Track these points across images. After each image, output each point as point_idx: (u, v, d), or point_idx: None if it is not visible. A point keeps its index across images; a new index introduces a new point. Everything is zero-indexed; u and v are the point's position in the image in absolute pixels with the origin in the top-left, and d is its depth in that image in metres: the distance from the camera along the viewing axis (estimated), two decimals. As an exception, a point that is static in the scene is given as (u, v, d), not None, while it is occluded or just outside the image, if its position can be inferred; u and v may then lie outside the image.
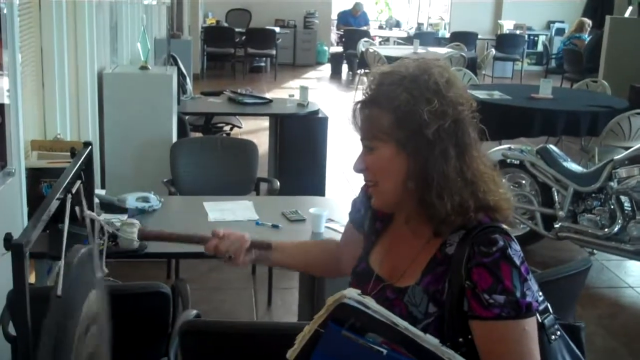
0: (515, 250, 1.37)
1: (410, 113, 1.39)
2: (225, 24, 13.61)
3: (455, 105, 1.41)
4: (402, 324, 1.28)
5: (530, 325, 1.34)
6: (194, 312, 2.62)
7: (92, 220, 1.88)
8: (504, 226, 1.42)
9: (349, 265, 1.70)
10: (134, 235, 1.61)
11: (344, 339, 1.28)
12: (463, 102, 1.44)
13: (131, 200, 3.23)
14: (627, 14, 10.41)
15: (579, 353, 1.50)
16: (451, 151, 1.40)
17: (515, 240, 1.41)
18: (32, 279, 3.02)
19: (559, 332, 1.46)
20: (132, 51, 6.20)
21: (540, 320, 1.39)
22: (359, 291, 1.31)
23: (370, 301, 1.29)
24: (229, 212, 3.26)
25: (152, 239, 1.75)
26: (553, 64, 13.46)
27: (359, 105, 1.48)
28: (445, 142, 1.39)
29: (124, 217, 3.10)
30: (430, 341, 1.27)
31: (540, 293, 1.42)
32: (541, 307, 1.40)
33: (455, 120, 1.41)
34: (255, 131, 7.75)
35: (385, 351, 1.26)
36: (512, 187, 5.06)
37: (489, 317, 1.32)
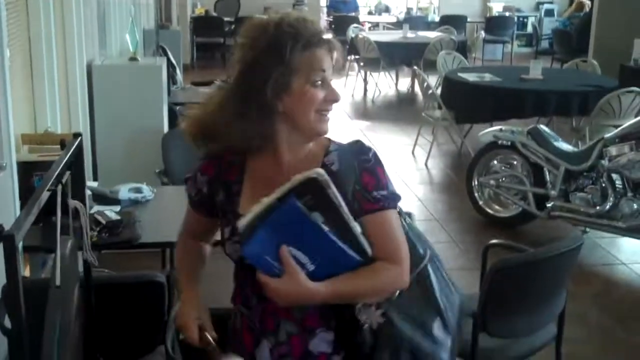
0: (376, 152, 1.67)
1: None
2: (214, 14, 13.55)
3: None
4: (344, 206, 1.50)
5: (397, 212, 1.68)
6: (189, 300, 2.63)
7: (78, 210, 1.88)
8: None
9: (210, 239, 1.91)
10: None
11: (297, 212, 1.44)
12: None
13: (123, 192, 3.23)
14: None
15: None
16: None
17: None
18: (26, 272, 3.03)
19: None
20: (121, 43, 6.18)
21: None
22: (321, 171, 1.49)
23: (330, 182, 1.47)
24: (221, 201, 3.26)
25: None
26: (543, 45, 13.48)
27: (333, 44, 1.63)
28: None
29: (117, 208, 3.10)
30: (356, 228, 1.52)
31: None
32: None
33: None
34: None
35: (327, 229, 1.46)
36: (503, 168, 5.08)
37: (376, 209, 1.61)
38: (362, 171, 1.62)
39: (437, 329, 1.70)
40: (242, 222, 1.48)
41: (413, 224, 1.80)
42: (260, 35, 1.59)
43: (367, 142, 1.69)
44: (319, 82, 1.60)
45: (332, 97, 1.62)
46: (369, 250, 1.55)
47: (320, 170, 1.49)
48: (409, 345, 1.64)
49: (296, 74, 1.57)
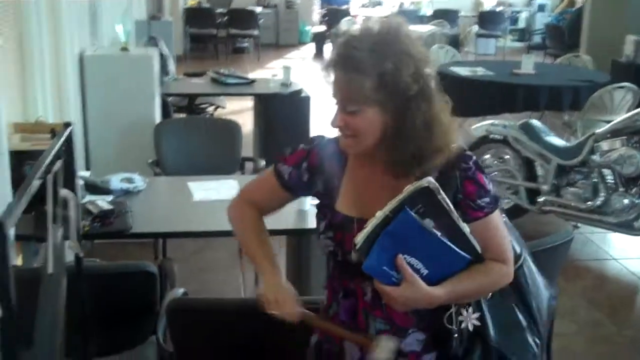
0: (477, 159, 1.67)
1: (395, 79, 1.51)
2: (207, 5, 13.51)
3: (423, 63, 1.55)
4: (453, 209, 1.52)
5: (499, 212, 1.69)
6: (181, 290, 2.64)
7: (68, 200, 1.88)
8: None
9: (269, 214, 1.90)
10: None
11: (412, 222, 1.49)
12: (423, 57, 1.56)
13: (115, 182, 3.22)
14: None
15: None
16: (423, 106, 1.55)
17: None
18: (19, 261, 3.02)
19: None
20: (112, 33, 6.14)
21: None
22: (432, 179, 1.51)
23: (439, 188, 1.50)
24: (213, 192, 3.26)
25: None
26: (535, 40, 13.50)
27: (332, 68, 1.56)
28: (419, 99, 1.54)
29: (109, 198, 3.09)
30: (465, 229, 1.55)
31: None
32: None
33: (425, 76, 1.55)
34: (239, 112, 7.72)
35: (439, 233, 1.51)
36: (495, 162, 5.08)
37: (481, 216, 1.62)
38: (463, 180, 1.62)
39: (527, 331, 1.72)
40: (358, 239, 1.50)
41: (508, 222, 1.80)
42: None
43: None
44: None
45: (332, 124, 1.65)
46: (478, 247, 1.58)
47: (430, 179, 1.51)
48: (499, 348, 1.67)
49: None
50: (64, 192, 1.85)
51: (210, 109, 6.81)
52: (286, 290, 1.74)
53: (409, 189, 1.50)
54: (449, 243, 1.53)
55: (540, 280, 1.81)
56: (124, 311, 2.46)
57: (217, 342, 2.18)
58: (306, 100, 5.68)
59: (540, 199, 4.69)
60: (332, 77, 1.57)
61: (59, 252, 1.74)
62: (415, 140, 1.55)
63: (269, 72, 8.34)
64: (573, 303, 3.97)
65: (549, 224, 4.87)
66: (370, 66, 1.50)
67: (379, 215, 1.50)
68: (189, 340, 2.20)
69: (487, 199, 1.62)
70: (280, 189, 1.81)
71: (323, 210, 1.73)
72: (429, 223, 1.51)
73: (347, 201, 1.69)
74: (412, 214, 1.49)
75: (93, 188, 3.18)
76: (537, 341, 1.74)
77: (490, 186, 1.64)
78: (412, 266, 1.53)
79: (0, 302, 2.27)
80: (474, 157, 1.65)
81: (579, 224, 4.75)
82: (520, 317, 1.72)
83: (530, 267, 1.79)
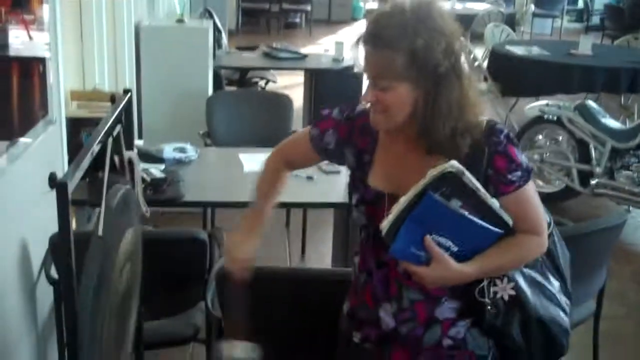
0: (509, 131, 1.65)
1: (426, 55, 1.51)
2: (261, -21, 13.51)
3: (454, 39, 1.55)
4: (481, 187, 1.52)
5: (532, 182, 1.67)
6: (230, 258, 2.67)
7: (131, 163, 1.92)
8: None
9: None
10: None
11: (436, 205, 1.49)
12: (455, 34, 1.56)
13: (168, 151, 3.28)
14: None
15: None
16: (454, 82, 1.56)
17: None
18: (72, 225, 3.10)
19: None
20: (168, 5, 6.21)
21: None
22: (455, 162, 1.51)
23: (464, 170, 1.50)
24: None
25: None
26: (594, 20, 13.17)
27: (364, 44, 1.57)
28: (450, 75, 1.55)
29: (162, 166, 3.15)
30: (495, 205, 1.55)
31: None
32: None
33: (456, 53, 1.56)
34: (290, 86, 7.73)
35: (466, 213, 1.51)
36: (548, 143, 5.01)
37: (512, 190, 1.61)
38: (493, 155, 1.60)
39: (561, 295, 1.74)
40: (384, 225, 1.52)
41: None
42: None
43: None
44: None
45: (364, 98, 1.66)
46: (509, 221, 1.58)
47: (454, 162, 1.51)
48: (537, 314, 1.68)
49: None
50: (128, 153, 1.89)
51: (262, 83, 6.84)
52: (240, 249, 1.84)
53: (432, 173, 1.49)
54: (477, 220, 1.53)
55: (563, 242, 1.81)
56: (175, 277, 2.51)
57: (263, 309, 2.22)
58: (358, 76, 5.65)
59: (593, 182, 4.62)
60: (363, 52, 1.57)
61: (123, 214, 1.78)
62: (446, 116, 1.56)
63: (320, 48, 8.33)
64: (622, 286, 3.92)
65: (601, 207, 4.79)
66: (402, 42, 1.50)
67: (403, 200, 1.51)
68: (236, 307, 2.24)
69: (518, 173, 1.61)
70: (312, 150, 1.85)
71: (355, 184, 1.75)
72: (455, 203, 1.50)
73: (379, 176, 1.70)
74: (436, 197, 1.48)
75: (146, 157, 3.24)
76: (568, 302, 1.75)
77: (522, 158, 1.62)
78: (440, 245, 1.54)
79: (55, 266, 2.36)
80: (506, 130, 1.64)
81: (631, 208, 4.67)
82: (552, 280, 1.74)
83: (556, 230, 1.79)
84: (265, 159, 1.97)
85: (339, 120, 1.79)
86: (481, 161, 1.60)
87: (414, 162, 1.63)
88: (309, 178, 3.13)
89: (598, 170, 4.60)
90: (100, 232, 1.60)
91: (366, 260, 1.77)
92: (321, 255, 4.16)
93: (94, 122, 3.05)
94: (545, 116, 4.91)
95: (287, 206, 3.95)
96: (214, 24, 5.78)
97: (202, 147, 3.83)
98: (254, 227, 1.88)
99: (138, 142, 3.51)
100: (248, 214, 1.91)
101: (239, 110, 4.31)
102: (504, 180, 1.61)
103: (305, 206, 3.88)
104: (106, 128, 1.71)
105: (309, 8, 12.88)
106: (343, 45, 5.91)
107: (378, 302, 1.72)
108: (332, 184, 3.11)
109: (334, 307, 1.96)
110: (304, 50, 6.50)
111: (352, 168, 1.78)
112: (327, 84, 5.71)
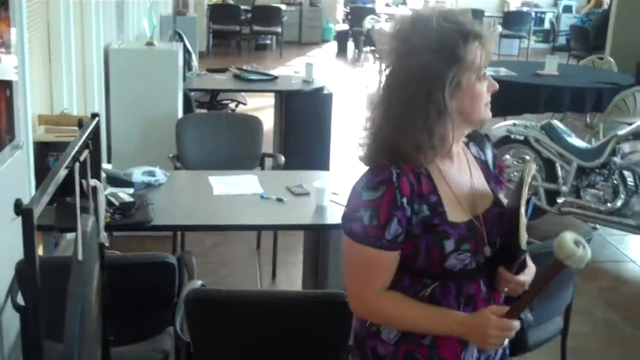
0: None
1: None
2: (231, 1, 13.56)
3: None
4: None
5: None
6: (199, 282, 2.67)
7: (96, 189, 1.91)
8: None
9: None
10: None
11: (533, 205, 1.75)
12: None
13: (137, 174, 3.26)
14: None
15: None
16: None
17: None
18: (39, 251, 3.07)
19: None
20: (138, 28, 6.21)
21: None
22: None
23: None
24: (233, 186, 3.30)
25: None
26: (560, 41, 13.40)
27: (477, 37, 1.58)
28: None
29: (130, 190, 3.14)
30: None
31: None
32: None
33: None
34: (260, 108, 7.75)
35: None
36: (515, 162, 5.08)
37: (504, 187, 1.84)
38: (495, 160, 1.84)
39: None
40: (524, 242, 1.62)
41: None
42: (424, 36, 1.56)
43: None
44: (483, 75, 1.62)
45: (493, 88, 1.67)
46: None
47: (533, 165, 1.79)
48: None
49: (468, 71, 1.58)
50: (93, 181, 1.88)
51: (232, 105, 6.86)
52: (487, 320, 1.60)
53: (528, 180, 1.69)
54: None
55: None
56: (143, 301, 2.50)
57: (233, 333, 2.21)
58: (328, 97, 5.70)
59: (560, 200, 4.69)
60: (479, 45, 1.58)
61: (92, 241, 1.77)
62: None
63: (291, 70, 8.36)
64: (589, 303, 3.97)
65: (568, 225, 4.84)
66: None
67: (522, 212, 1.63)
68: (206, 330, 2.23)
69: (504, 175, 1.92)
70: (394, 256, 1.62)
71: (437, 232, 1.60)
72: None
73: (456, 209, 1.63)
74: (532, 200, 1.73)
75: (115, 180, 3.23)
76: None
77: None
78: None
79: (22, 292, 2.33)
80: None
81: (598, 226, 4.74)
82: None
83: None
84: (363, 314, 1.71)
85: (389, 186, 1.58)
86: (492, 165, 1.85)
87: (468, 169, 1.72)
88: (279, 200, 3.14)
89: (564, 189, 4.67)
90: (80, 257, 1.59)
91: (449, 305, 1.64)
92: (292, 278, 4.16)
93: (61, 147, 3.05)
94: (513, 136, 4.98)
95: (258, 229, 3.96)
96: (184, 46, 5.79)
97: (172, 170, 3.83)
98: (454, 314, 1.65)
99: (107, 166, 3.50)
100: (450, 319, 1.63)
101: (209, 132, 4.31)
102: (501, 179, 1.88)
103: (275, 228, 3.88)
104: (73, 153, 1.70)
105: (279, 30, 12.94)
106: (312, 67, 5.95)
107: (463, 344, 1.66)
108: (302, 205, 3.12)
109: (307, 330, 1.96)
110: (274, 71, 6.53)
111: (425, 220, 1.60)
112: (297, 105, 5.73)
